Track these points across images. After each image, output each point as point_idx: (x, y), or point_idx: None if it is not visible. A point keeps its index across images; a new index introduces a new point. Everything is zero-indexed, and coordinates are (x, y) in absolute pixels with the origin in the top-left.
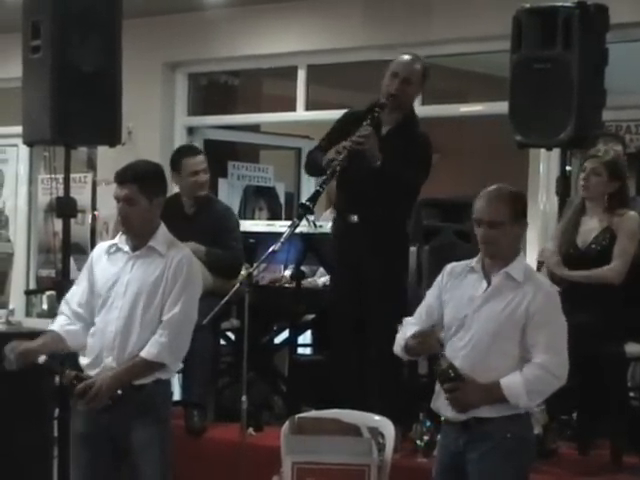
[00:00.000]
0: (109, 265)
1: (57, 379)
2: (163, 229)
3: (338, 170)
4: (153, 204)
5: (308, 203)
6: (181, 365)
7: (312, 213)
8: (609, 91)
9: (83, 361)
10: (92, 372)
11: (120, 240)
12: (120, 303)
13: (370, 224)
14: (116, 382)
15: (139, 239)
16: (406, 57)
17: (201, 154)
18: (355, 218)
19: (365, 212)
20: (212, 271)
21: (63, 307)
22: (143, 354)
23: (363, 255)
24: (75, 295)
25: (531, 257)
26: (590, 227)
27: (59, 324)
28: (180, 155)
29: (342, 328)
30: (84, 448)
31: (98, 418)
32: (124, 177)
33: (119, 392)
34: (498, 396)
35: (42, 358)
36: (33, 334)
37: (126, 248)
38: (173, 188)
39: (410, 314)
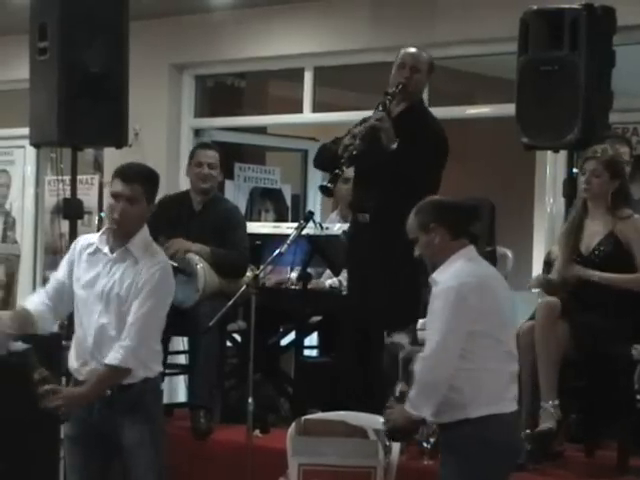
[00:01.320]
0: (88, 265)
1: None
2: (143, 233)
3: (355, 153)
4: (149, 207)
5: (329, 185)
6: (161, 368)
7: (332, 195)
8: (616, 93)
9: (72, 365)
10: (80, 377)
11: (100, 240)
12: (98, 308)
13: (380, 224)
14: (81, 400)
15: (121, 239)
16: (411, 49)
17: (213, 150)
18: (366, 217)
19: (378, 209)
20: (218, 271)
21: (48, 284)
22: (107, 361)
23: (374, 255)
24: (57, 276)
25: (538, 259)
26: (593, 231)
27: (35, 303)
28: (195, 147)
29: (350, 330)
30: (76, 450)
31: (88, 419)
32: (131, 176)
33: (108, 392)
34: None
35: (18, 344)
36: (38, 336)
37: (105, 249)
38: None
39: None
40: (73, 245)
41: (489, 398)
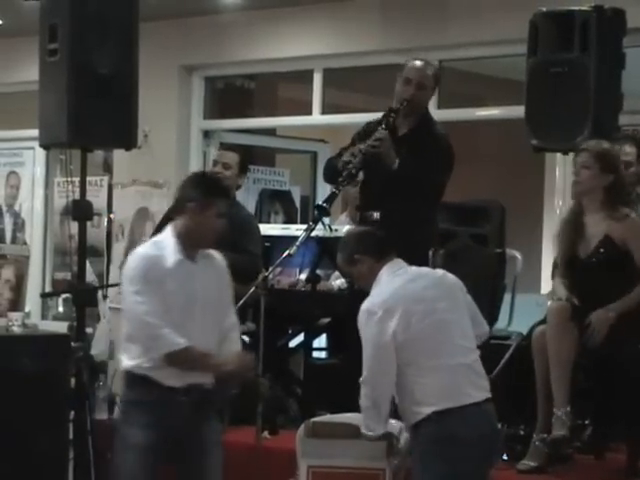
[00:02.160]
0: (180, 277)
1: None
2: None
3: (354, 173)
4: None
5: (324, 204)
6: None
7: (328, 214)
8: (626, 95)
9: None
10: (179, 383)
11: (175, 250)
12: (200, 315)
13: (391, 221)
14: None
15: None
16: (418, 63)
17: (232, 151)
18: (376, 215)
19: (387, 209)
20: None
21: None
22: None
23: None
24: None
25: (547, 261)
26: (590, 233)
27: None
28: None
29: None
30: (151, 457)
31: (173, 424)
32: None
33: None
34: None
35: None
36: (48, 337)
37: (182, 257)
38: None
39: None
40: (153, 273)
41: (440, 394)
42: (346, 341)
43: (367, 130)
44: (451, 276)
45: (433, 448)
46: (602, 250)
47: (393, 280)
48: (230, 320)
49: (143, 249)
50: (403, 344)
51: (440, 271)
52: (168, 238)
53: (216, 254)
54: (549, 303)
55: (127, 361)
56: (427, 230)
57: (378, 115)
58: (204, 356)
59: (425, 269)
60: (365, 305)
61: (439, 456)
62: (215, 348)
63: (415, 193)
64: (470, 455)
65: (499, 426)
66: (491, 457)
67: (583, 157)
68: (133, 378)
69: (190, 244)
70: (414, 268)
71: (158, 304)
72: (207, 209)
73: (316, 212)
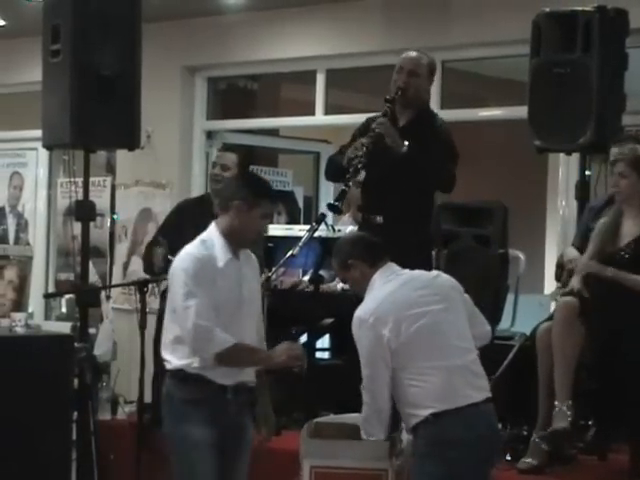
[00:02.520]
0: (230, 276)
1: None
2: None
3: (360, 167)
4: None
5: (337, 203)
6: None
7: (341, 212)
8: (629, 95)
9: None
10: (229, 382)
11: (225, 250)
12: (247, 314)
13: (394, 224)
14: None
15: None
16: (411, 53)
17: (231, 152)
18: (380, 219)
19: (390, 212)
20: None
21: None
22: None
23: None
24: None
25: (550, 262)
26: (625, 232)
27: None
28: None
29: None
30: (213, 455)
31: (227, 422)
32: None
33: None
34: None
35: None
36: (51, 338)
37: (231, 256)
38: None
39: None
40: (204, 271)
41: (436, 396)
42: (349, 342)
43: (366, 126)
44: (445, 276)
45: (431, 450)
46: (633, 247)
47: (385, 286)
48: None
49: (193, 249)
50: (397, 349)
51: (434, 272)
52: (215, 237)
53: (251, 253)
54: (558, 299)
55: (177, 361)
56: (429, 231)
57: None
58: (253, 351)
59: (418, 271)
60: (357, 312)
61: (437, 457)
62: (258, 345)
63: (427, 180)
64: (468, 456)
65: (499, 426)
66: (492, 458)
67: (620, 167)
68: (185, 376)
69: (234, 243)
70: (407, 272)
71: (208, 305)
72: (253, 209)
73: (329, 211)
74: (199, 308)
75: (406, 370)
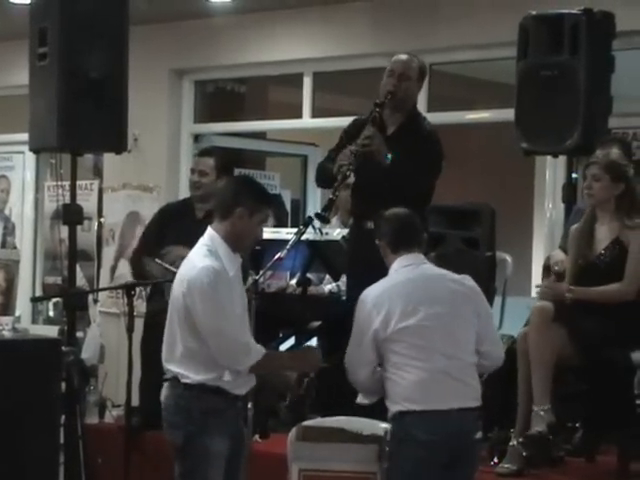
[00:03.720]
0: (238, 284)
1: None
2: None
3: (349, 175)
4: None
5: (324, 213)
6: None
7: (328, 222)
8: (615, 98)
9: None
10: (242, 391)
11: (231, 258)
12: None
13: None
14: None
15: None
16: (402, 56)
17: (208, 156)
18: (371, 225)
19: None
20: None
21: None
22: None
23: (378, 262)
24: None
25: (537, 264)
26: (600, 238)
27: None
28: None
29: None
30: (223, 467)
31: (234, 431)
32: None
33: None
34: None
35: None
36: (38, 341)
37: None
38: None
39: None
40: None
41: (405, 395)
42: (337, 345)
43: (356, 126)
44: (464, 285)
45: (396, 446)
46: (609, 252)
47: (395, 275)
48: None
49: (208, 262)
50: (383, 340)
51: (456, 276)
52: (219, 245)
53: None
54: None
55: (195, 375)
56: None
57: None
58: (280, 357)
59: (440, 271)
60: (366, 291)
61: (400, 454)
62: None
63: (407, 192)
64: (426, 459)
65: (473, 434)
66: (455, 465)
67: (593, 170)
68: (204, 389)
69: (233, 249)
70: (427, 267)
71: (237, 318)
72: (255, 215)
73: (316, 221)
74: (234, 324)
75: (388, 362)
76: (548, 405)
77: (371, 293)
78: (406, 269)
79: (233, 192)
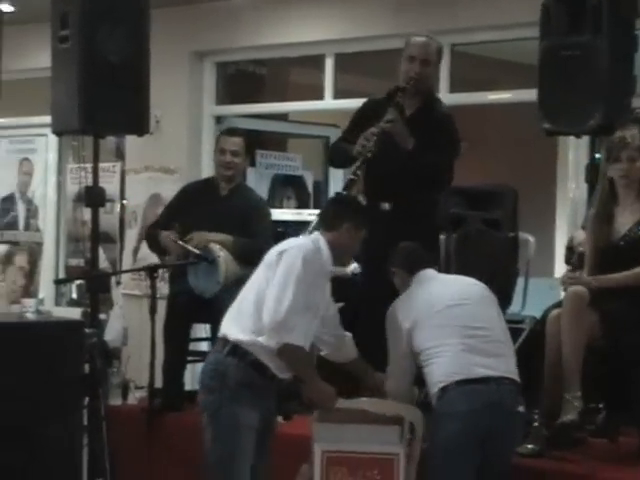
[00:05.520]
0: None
1: None
2: None
3: (369, 156)
4: None
5: (345, 193)
6: None
7: None
8: (639, 78)
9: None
10: (280, 375)
11: (330, 262)
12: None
13: (402, 211)
14: None
15: None
16: (420, 39)
17: (237, 136)
18: (387, 206)
19: (397, 200)
20: (240, 260)
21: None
22: None
23: (393, 243)
24: None
25: (560, 245)
26: (622, 220)
27: None
28: (220, 133)
29: (373, 317)
30: (253, 440)
31: (267, 406)
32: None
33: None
34: None
35: None
36: (62, 323)
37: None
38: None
39: None
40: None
41: (444, 371)
42: (358, 325)
43: (366, 108)
44: (483, 287)
45: (435, 424)
46: (633, 234)
47: (414, 286)
48: None
49: (322, 246)
50: (414, 336)
51: (474, 280)
52: (324, 248)
53: None
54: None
55: (247, 345)
56: (434, 217)
57: None
58: (309, 367)
59: (458, 276)
60: (390, 308)
61: (440, 430)
62: None
63: (426, 176)
64: (464, 431)
65: (514, 407)
66: (494, 438)
67: (629, 151)
68: (246, 361)
69: (335, 258)
70: (444, 275)
71: (314, 301)
72: (359, 232)
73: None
74: (308, 299)
75: (423, 353)
76: (579, 392)
77: (396, 305)
78: (425, 280)
79: (340, 206)
